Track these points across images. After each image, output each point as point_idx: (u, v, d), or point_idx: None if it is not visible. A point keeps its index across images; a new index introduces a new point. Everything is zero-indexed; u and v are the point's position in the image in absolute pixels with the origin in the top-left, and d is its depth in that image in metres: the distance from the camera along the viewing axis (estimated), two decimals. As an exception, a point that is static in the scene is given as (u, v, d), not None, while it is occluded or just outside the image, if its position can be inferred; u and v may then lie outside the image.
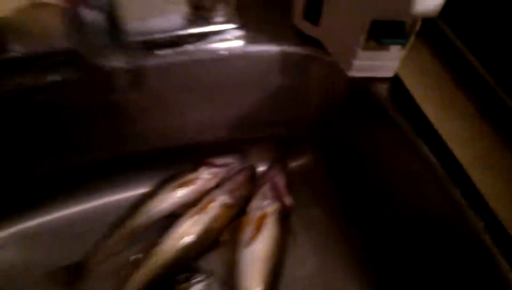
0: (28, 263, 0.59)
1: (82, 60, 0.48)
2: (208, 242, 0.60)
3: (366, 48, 0.50)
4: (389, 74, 0.54)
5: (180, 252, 0.58)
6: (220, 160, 0.66)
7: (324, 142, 0.68)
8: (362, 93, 0.56)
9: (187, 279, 0.58)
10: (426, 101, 0.53)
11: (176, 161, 0.66)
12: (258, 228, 0.58)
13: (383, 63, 0.52)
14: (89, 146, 0.61)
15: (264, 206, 0.61)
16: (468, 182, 0.47)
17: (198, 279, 0.58)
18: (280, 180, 0.64)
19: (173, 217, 0.61)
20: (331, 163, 0.69)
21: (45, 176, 0.60)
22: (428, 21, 0.55)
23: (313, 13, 0.55)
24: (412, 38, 0.49)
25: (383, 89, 0.54)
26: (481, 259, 0.44)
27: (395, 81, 0.55)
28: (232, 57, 0.57)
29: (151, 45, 0.53)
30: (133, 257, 0.58)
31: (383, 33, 0.48)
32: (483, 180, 0.47)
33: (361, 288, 0.60)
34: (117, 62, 0.45)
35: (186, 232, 0.59)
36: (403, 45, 0.50)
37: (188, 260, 0.59)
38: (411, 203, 0.55)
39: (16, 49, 0.50)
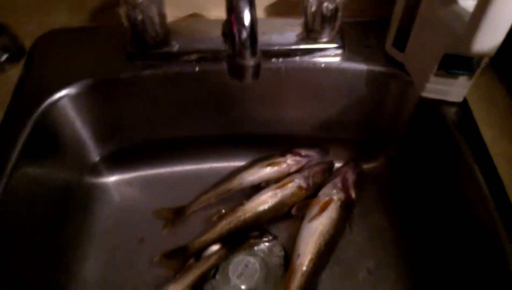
0: (145, 200, 0.79)
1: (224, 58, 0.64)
2: (280, 212, 0.74)
3: (437, 74, 0.60)
4: (457, 99, 0.62)
5: (257, 214, 0.72)
6: (304, 151, 0.79)
7: (393, 150, 0.78)
8: (430, 112, 0.65)
9: (258, 237, 0.72)
10: (486, 124, 0.61)
11: (270, 146, 0.81)
12: (322, 210, 0.70)
13: (451, 89, 0.61)
14: (213, 123, 0.79)
15: (332, 194, 0.73)
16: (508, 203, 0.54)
17: (266, 239, 0.72)
18: (351, 176, 0.75)
19: (258, 189, 0.76)
20: (397, 170, 0.78)
21: (175, 140, 0.80)
22: (500, 53, 0.63)
23: (401, 42, 0.66)
24: (478, 71, 0.58)
25: (450, 112, 0.63)
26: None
27: (463, 106, 0.63)
28: (329, 70, 0.69)
29: (269, 54, 0.68)
30: (222, 211, 0.74)
31: (452, 65, 0.58)
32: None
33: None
34: (248, 61, 0.57)
35: (265, 201, 0.73)
36: (469, 76, 0.59)
37: (262, 223, 0.73)
38: (460, 221, 0.62)
39: (175, 45, 0.68)
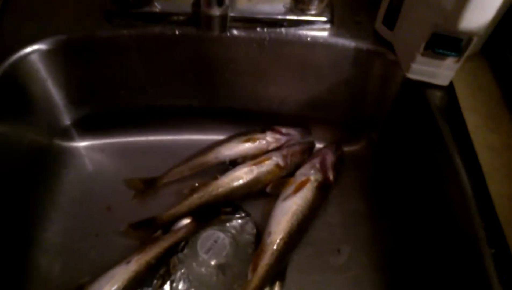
0: (116, 168, 0.76)
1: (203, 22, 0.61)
2: (254, 189, 0.71)
3: (424, 54, 0.58)
4: (443, 82, 0.60)
5: (230, 189, 0.70)
6: (285, 129, 0.77)
7: (376, 133, 0.76)
8: (415, 95, 0.63)
9: (231, 213, 0.70)
10: (471, 111, 0.59)
11: (250, 122, 0.78)
12: (298, 189, 0.68)
13: (438, 71, 0.59)
14: (192, 94, 0.76)
15: (309, 174, 0.70)
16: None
17: (239, 215, 0.70)
18: (330, 158, 0.73)
19: (234, 164, 0.74)
20: (378, 154, 0.77)
21: (152, 108, 0.77)
22: (491, 41, 0.61)
23: (391, 19, 0.63)
24: (466, 54, 0.56)
25: (435, 96, 0.61)
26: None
27: (449, 91, 0.61)
28: (315, 44, 0.67)
29: (254, 23, 0.65)
30: (195, 184, 0.72)
31: (440, 44, 0.55)
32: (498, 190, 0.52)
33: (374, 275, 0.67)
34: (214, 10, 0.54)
35: (240, 177, 0.71)
36: (457, 58, 0.57)
37: (235, 199, 0.71)
38: (437, 206, 0.61)
39: (158, 6, 0.65)
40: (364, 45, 0.66)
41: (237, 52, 0.68)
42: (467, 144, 0.57)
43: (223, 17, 0.49)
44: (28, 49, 0.62)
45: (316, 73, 0.71)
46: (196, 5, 0.47)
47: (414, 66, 0.60)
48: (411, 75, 0.61)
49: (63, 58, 0.65)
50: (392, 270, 0.67)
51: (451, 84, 0.62)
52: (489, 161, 0.55)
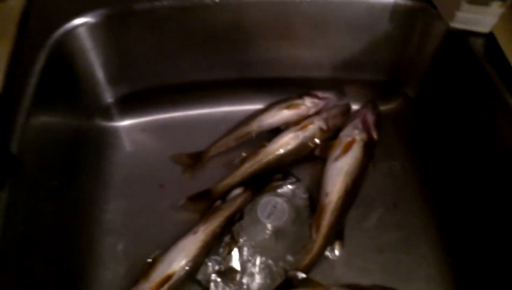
0: (160, 146, 0.75)
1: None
2: (302, 154, 0.72)
3: (469, 1, 0.59)
4: (485, 29, 0.62)
5: (279, 156, 0.71)
6: (322, 94, 0.78)
7: (413, 90, 0.77)
8: (456, 45, 0.64)
9: (282, 179, 0.71)
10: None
11: (285, 89, 0.78)
12: (346, 150, 0.69)
13: (481, 18, 0.60)
14: (227, 65, 0.76)
15: (354, 134, 0.71)
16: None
17: (290, 181, 0.71)
18: (370, 117, 0.74)
19: (277, 132, 0.74)
20: (418, 111, 0.78)
21: (188, 84, 0.77)
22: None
23: (429, -28, 0.64)
24: None
25: (477, 44, 0.62)
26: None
27: (490, 38, 0.63)
28: (351, 2, 0.68)
29: None
30: (243, 154, 0.72)
31: (487, -12, 0.57)
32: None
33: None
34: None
35: (286, 143, 0.71)
36: (502, 2, 0.58)
37: (284, 165, 0.72)
38: (491, 153, 0.62)
39: None
40: (402, 0, 0.67)
41: (274, 15, 0.68)
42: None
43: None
44: (75, 23, 0.60)
45: (352, 33, 0.72)
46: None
47: (459, 14, 0.61)
48: (454, 24, 0.62)
49: (105, 32, 0.64)
50: (447, 223, 0.68)
51: (490, 33, 0.63)
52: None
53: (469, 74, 0.64)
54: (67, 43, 0.61)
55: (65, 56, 0.61)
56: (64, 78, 0.62)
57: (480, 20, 0.61)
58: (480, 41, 0.63)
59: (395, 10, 0.67)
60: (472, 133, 0.66)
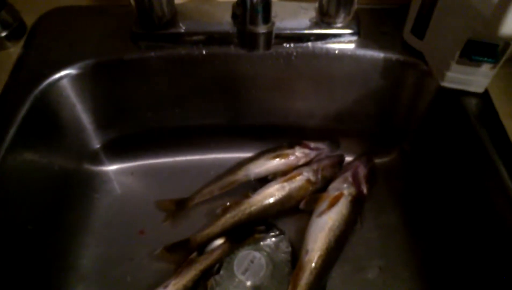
0: (146, 190, 0.75)
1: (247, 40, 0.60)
2: (287, 206, 0.70)
3: (459, 62, 0.57)
4: (479, 89, 0.59)
5: (263, 207, 0.69)
6: (314, 144, 0.76)
7: (408, 143, 0.74)
8: (449, 103, 0.61)
9: (264, 231, 0.69)
10: (509, 117, 0.57)
11: (277, 137, 0.77)
12: (332, 204, 0.67)
13: (473, 78, 0.58)
14: (218, 112, 0.75)
15: (342, 188, 0.69)
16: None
17: (273, 233, 0.68)
18: (362, 171, 0.72)
19: (264, 182, 0.72)
20: (411, 165, 0.75)
21: (178, 129, 0.76)
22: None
23: (420, 28, 0.62)
24: (502, 60, 0.55)
25: (471, 103, 0.60)
26: None
27: (484, 98, 0.60)
28: (343, 57, 0.66)
29: (280, 38, 0.64)
30: (227, 204, 0.70)
31: (475, 51, 0.54)
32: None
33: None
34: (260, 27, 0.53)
35: (272, 194, 0.70)
36: (493, 64, 0.55)
37: (268, 217, 0.70)
38: (480, 219, 0.59)
39: (183, 26, 0.65)
40: (393, 55, 0.65)
41: (264, 68, 0.68)
42: (507, 149, 0.55)
43: (269, 34, 0.48)
44: (58, 74, 0.62)
45: (344, 86, 0.70)
46: (238, 23, 0.47)
47: (449, 74, 0.59)
48: (445, 84, 0.60)
49: (91, 82, 0.65)
50: (434, 283, 0.65)
51: (485, 91, 0.60)
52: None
53: (460, 134, 0.61)
54: (52, 93, 0.62)
55: (50, 105, 0.62)
56: (48, 124, 0.63)
57: (472, 81, 0.58)
58: (474, 100, 0.60)
59: (387, 66, 0.66)
60: (463, 194, 0.63)
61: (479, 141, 0.57)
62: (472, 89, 0.59)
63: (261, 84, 0.71)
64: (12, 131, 0.56)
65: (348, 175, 0.72)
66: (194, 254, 0.65)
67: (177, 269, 0.62)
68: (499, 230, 0.55)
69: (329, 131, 0.77)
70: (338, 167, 0.76)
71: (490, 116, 0.59)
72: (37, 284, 0.59)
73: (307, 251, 0.63)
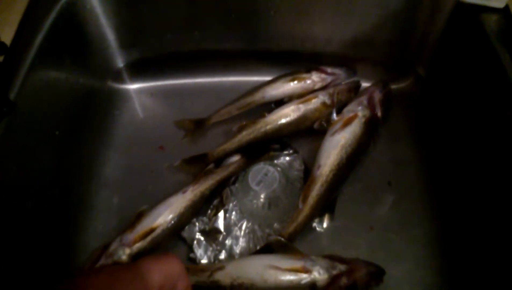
0: (166, 110, 0.78)
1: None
2: (302, 126, 0.72)
3: (480, -27, 0.56)
4: (499, 4, 0.58)
5: (278, 127, 0.71)
6: (331, 69, 0.77)
7: (424, 68, 0.74)
8: (467, 21, 0.61)
9: (279, 149, 0.71)
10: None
11: (295, 63, 0.78)
12: (346, 124, 0.68)
13: (495, -9, 0.57)
14: (238, 36, 0.76)
15: (357, 110, 0.70)
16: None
17: (287, 152, 0.71)
18: (378, 95, 0.72)
19: (281, 104, 0.74)
20: (427, 89, 0.75)
21: (199, 52, 0.78)
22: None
23: None
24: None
25: (490, 19, 0.59)
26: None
27: (505, 14, 0.59)
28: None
29: None
30: (243, 124, 0.73)
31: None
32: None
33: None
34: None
35: (288, 114, 0.71)
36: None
37: (283, 136, 0.72)
38: (494, 137, 0.59)
39: None
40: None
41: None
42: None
43: None
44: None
45: (361, 9, 0.70)
46: None
47: (469, -13, 0.58)
48: (465, -1, 0.59)
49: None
50: (443, 208, 0.66)
51: (506, 6, 0.59)
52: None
53: (478, 55, 0.61)
54: (78, 5, 0.64)
55: (75, 17, 0.64)
56: (74, 38, 0.66)
57: (493, -6, 0.58)
58: (494, 17, 0.60)
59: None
60: (479, 118, 0.63)
61: (498, 60, 0.57)
62: (492, 3, 0.59)
63: (279, 6, 0.71)
64: (39, 38, 0.58)
65: (364, 98, 0.72)
66: (211, 165, 0.68)
67: (196, 177, 0.65)
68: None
69: (346, 58, 0.78)
70: (354, 92, 0.76)
71: (510, 33, 0.58)
72: (60, 187, 0.62)
73: (319, 166, 0.65)
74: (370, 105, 0.72)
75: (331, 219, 0.65)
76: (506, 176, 0.56)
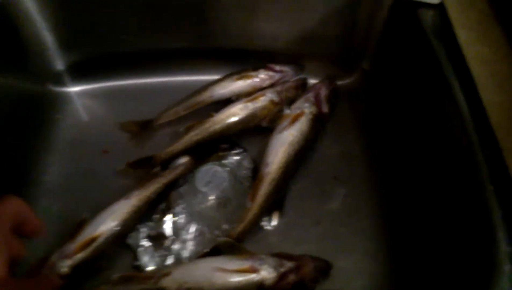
0: (110, 113, 0.76)
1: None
2: (250, 125, 0.71)
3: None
4: (435, 0, 0.60)
5: (227, 126, 0.70)
6: (279, 67, 0.77)
7: (368, 63, 0.75)
8: (406, 16, 0.62)
9: (228, 149, 0.70)
10: (462, 27, 0.58)
11: (244, 61, 0.77)
12: (293, 122, 0.68)
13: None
14: (184, 35, 0.74)
15: (304, 107, 0.70)
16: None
17: (236, 151, 0.70)
18: (324, 91, 0.73)
19: (229, 103, 0.73)
20: (372, 84, 0.76)
21: (143, 52, 0.76)
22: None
23: None
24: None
25: (427, 14, 0.60)
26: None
27: (440, 9, 0.60)
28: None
29: None
30: (190, 124, 0.71)
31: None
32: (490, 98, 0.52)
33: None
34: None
35: (236, 113, 0.70)
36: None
37: (231, 135, 0.71)
38: (434, 127, 0.60)
39: None
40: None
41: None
42: (460, 61, 0.56)
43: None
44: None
45: (307, 6, 0.70)
46: None
47: (405, -17, 0.59)
48: (403, -6, 0.61)
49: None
50: (389, 200, 0.67)
51: (441, 2, 0.61)
52: (482, 73, 0.55)
53: (416, 49, 0.62)
54: (11, 6, 0.60)
55: (9, 19, 0.61)
56: (8, 41, 0.62)
57: (428, -10, 0.59)
58: (430, 12, 0.61)
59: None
60: (419, 111, 0.64)
61: (433, 53, 0.58)
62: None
63: (227, 3, 0.70)
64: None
65: (310, 96, 0.73)
66: (158, 168, 0.66)
67: (141, 182, 0.63)
68: (450, 143, 0.56)
69: (294, 55, 0.78)
70: (302, 89, 0.77)
71: (446, 28, 0.59)
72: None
73: (267, 164, 0.65)
74: (317, 101, 0.72)
75: (280, 216, 0.65)
76: (446, 167, 0.57)
